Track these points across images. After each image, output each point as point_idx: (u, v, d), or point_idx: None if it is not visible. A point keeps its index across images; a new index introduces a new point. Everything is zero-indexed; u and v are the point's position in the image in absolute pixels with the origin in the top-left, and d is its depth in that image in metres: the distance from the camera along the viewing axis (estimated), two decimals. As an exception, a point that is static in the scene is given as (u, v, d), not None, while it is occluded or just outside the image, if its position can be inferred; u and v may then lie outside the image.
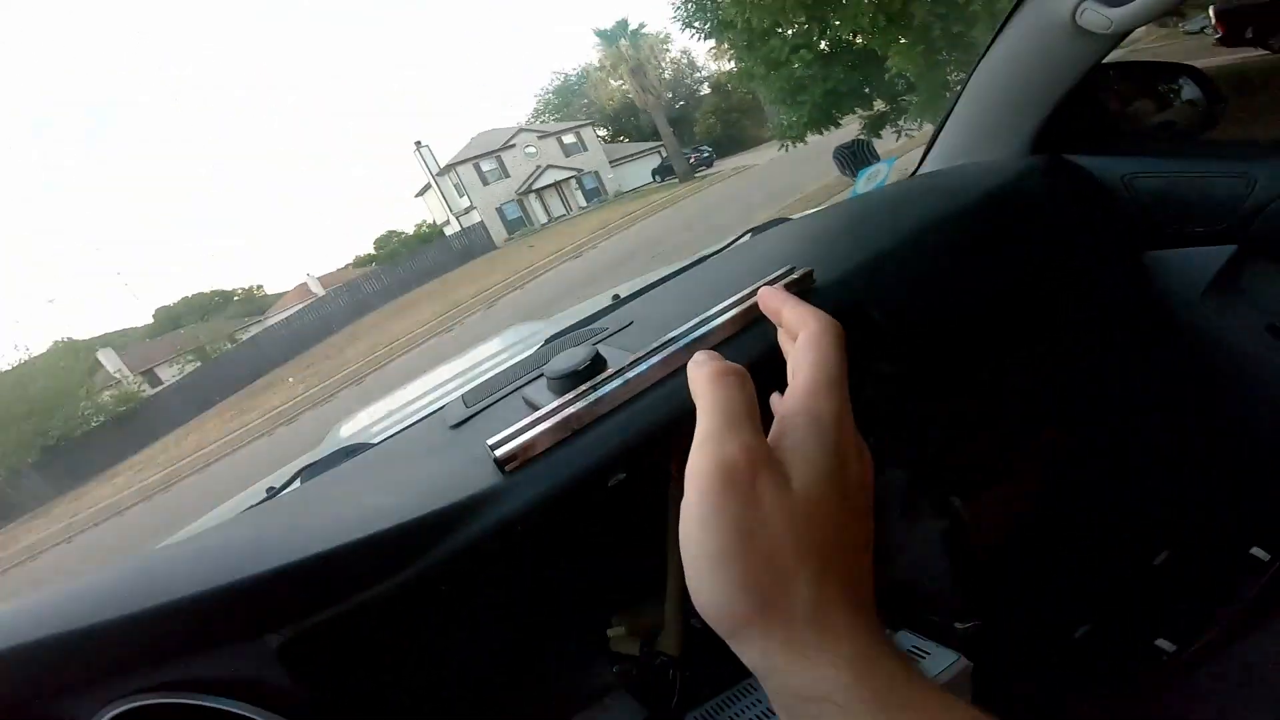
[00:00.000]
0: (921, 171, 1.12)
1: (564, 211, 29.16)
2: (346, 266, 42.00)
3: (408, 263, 26.96)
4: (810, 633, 0.23)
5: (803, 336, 0.30)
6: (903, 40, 4.73)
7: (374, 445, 0.81)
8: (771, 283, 0.59)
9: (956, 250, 0.69)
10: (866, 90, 5.97)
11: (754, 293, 0.57)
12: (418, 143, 29.37)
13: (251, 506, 0.85)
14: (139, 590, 0.43)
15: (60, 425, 19.14)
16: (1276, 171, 0.77)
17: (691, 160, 26.98)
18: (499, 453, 0.47)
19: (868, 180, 1.36)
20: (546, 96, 39.70)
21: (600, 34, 26.09)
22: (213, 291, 45.03)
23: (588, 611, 0.55)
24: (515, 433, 0.49)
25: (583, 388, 0.52)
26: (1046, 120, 0.90)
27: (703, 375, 0.29)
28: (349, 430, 1.50)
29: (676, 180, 25.98)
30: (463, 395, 0.72)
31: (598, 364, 0.56)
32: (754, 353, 0.53)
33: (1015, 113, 0.93)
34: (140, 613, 0.40)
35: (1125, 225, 0.83)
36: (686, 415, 0.28)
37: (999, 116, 0.95)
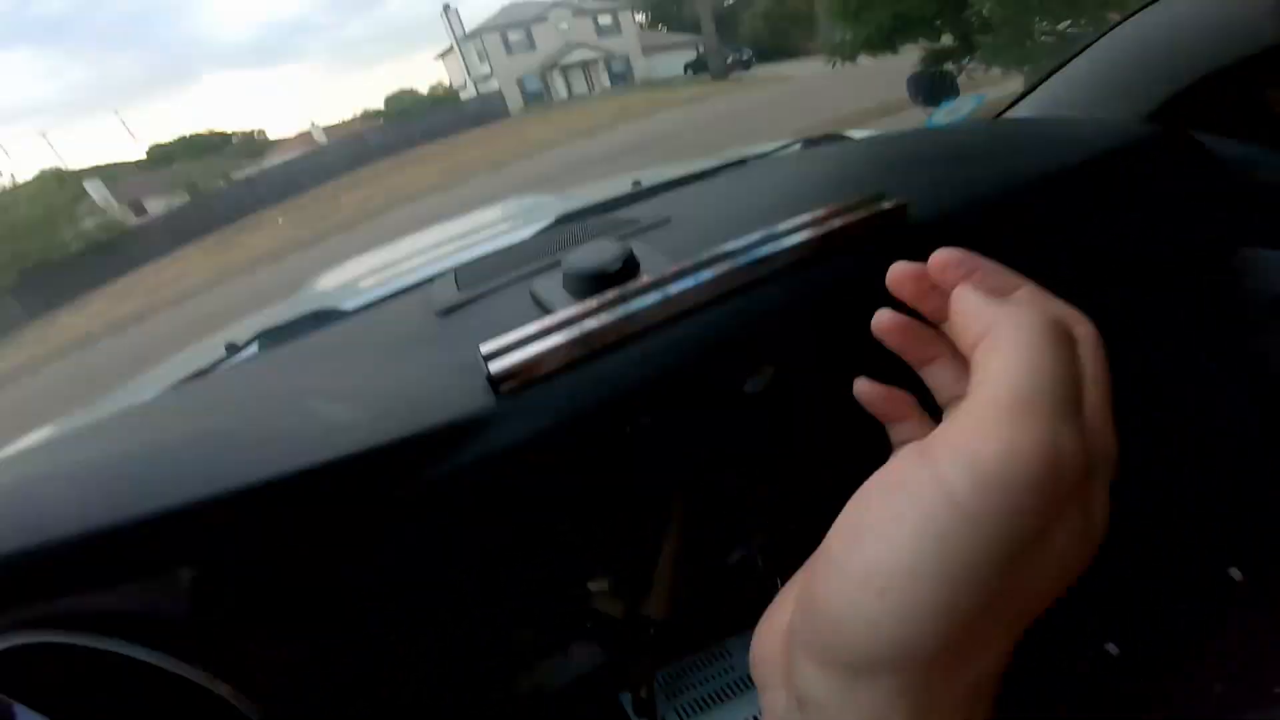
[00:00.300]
0: (1012, 115, 0.97)
1: (586, 91, 27.65)
2: (354, 119, 39.82)
3: (417, 121, 25.67)
4: (940, 707, 0.17)
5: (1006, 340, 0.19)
6: None
7: (347, 315, 0.70)
8: (854, 207, 0.47)
9: (1058, 213, 0.59)
10: (938, 22, 5.45)
11: (834, 214, 0.46)
12: (446, 4, 27.28)
13: (196, 375, 0.74)
14: (16, 519, 0.32)
15: (39, 250, 18.56)
16: None
17: (730, 60, 25.23)
18: (494, 367, 0.37)
19: (948, 114, 1.19)
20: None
21: None
22: (210, 132, 42.84)
23: (568, 563, 0.47)
24: (517, 343, 0.38)
25: (610, 295, 0.40)
26: (1185, 90, 0.78)
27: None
28: (327, 284, 1.37)
29: (709, 78, 24.45)
30: (455, 271, 0.60)
31: (630, 266, 0.44)
32: (831, 288, 0.43)
33: (1151, 74, 0.80)
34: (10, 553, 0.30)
35: (1235, 217, 0.74)
36: (743, 349, 0.22)
37: (1130, 74, 0.82)
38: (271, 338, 0.74)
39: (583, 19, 27.83)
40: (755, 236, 0.45)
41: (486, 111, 25.64)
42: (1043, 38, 4.62)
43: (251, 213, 19.46)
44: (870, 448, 0.24)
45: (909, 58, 6.27)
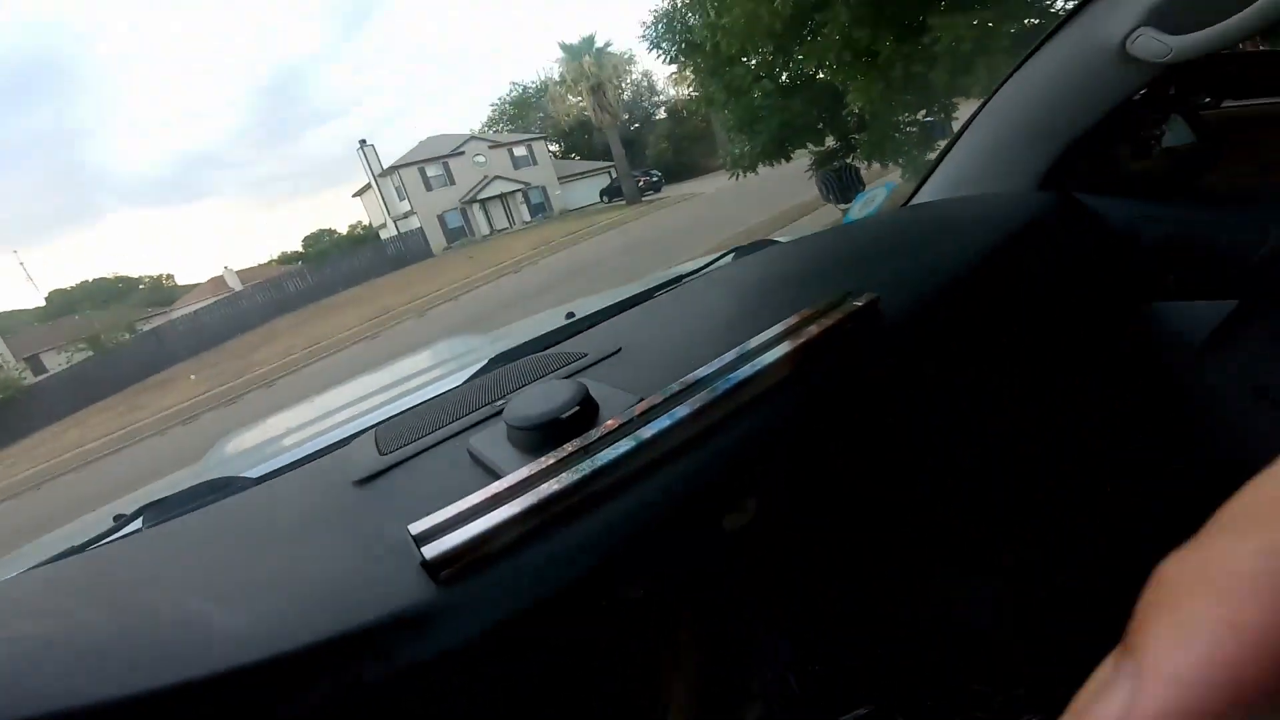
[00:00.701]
0: (919, 200, 1.03)
1: (507, 224, 28.72)
2: (270, 262, 39.55)
3: (337, 264, 25.67)
4: None
5: None
6: (861, 78, 4.85)
7: (251, 483, 0.59)
8: (826, 310, 0.43)
9: (975, 291, 0.59)
10: (820, 125, 6.08)
11: (808, 319, 0.42)
12: (362, 141, 28.52)
13: (72, 552, 0.62)
14: None
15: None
16: None
17: (641, 184, 27.09)
18: (429, 553, 0.28)
19: (864, 205, 1.25)
20: (503, 106, 39.31)
21: (565, 48, 26.11)
22: (115, 276, 41.43)
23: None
24: (456, 518, 0.30)
25: (569, 448, 0.33)
26: (1062, 155, 0.85)
27: None
28: (234, 448, 1.23)
29: (624, 202, 26.07)
30: (375, 431, 0.51)
31: (589, 410, 0.37)
32: (814, 400, 0.39)
33: (1030, 144, 0.87)
34: None
35: (1131, 273, 0.79)
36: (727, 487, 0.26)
37: (1013, 147, 0.89)
38: (161, 510, 0.62)
39: (498, 151, 29.31)
40: (729, 357, 0.40)
41: (409, 250, 25.88)
42: (908, 129, 5.24)
43: (160, 369, 18.42)
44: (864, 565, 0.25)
45: (801, 163, 6.91)
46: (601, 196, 29.90)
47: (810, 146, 6.50)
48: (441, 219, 27.64)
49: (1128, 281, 0.79)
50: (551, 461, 0.32)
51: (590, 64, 25.58)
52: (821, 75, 5.64)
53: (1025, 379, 0.65)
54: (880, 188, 1.35)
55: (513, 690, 0.30)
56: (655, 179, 28.46)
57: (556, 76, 28.85)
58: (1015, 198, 0.85)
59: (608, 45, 26.45)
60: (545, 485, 0.31)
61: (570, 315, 1.10)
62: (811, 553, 0.42)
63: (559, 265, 13.25)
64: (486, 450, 0.37)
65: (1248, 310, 0.75)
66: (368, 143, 28.50)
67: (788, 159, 6.74)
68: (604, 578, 0.29)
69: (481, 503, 0.30)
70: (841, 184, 1.39)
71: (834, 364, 0.40)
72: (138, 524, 0.70)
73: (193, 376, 15.06)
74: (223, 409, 10.32)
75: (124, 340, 23.31)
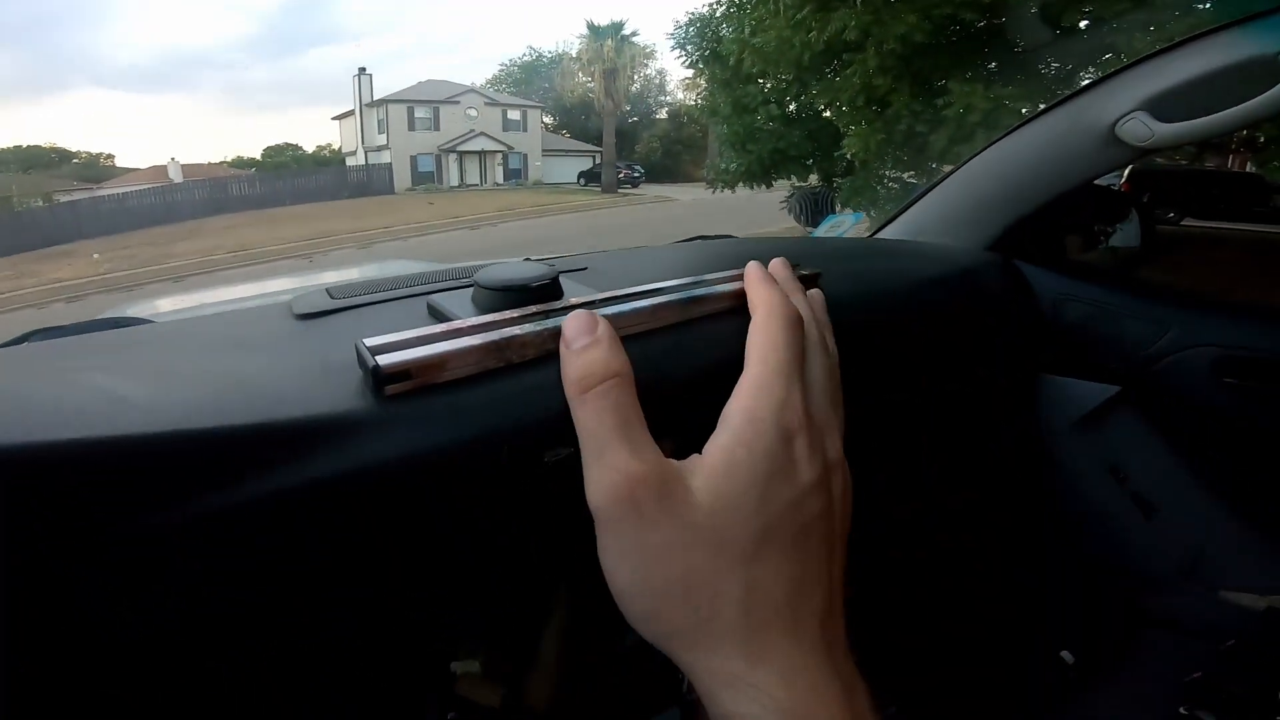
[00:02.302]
0: (882, 236, 1.09)
1: (478, 182, 28.05)
2: (222, 163, 37.06)
3: (292, 178, 24.36)
4: (739, 660, 0.22)
5: (753, 321, 0.30)
6: (866, 125, 5.01)
7: (163, 325, 0.56)
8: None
9: (903, 323, 0.63)
10: (810, 161, 6.26)
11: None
12: (361, 69, 27.39)
13: None
14: None
15: None
16: (1191, 325, 0.82)
17: (621, 175, 27.05)
18: (381, 360, 0.28)
19: (831, 228, 1.30)
20: (512, 68, 38.51)
21: (592, 28, 25.88)
22: (51, 147, 38.06)
23: (434, 630, 0.36)
24: (410, 340, 0.30)
25: (532, 309, 0.34)
26: (1019, 221, 0.91)
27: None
28: (138, 311, 1.15)
29: (600, 189, 25.93)
30: (327, 287, 0.50)
31: (555, 287, 0.38)
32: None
33: (997, 205, 0.92)
34: None
35: (1039, 343, 0.86)
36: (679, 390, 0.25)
37: (980, 205, 0.95)
38: (51, 334, 0.57)
39: (493, 110, 28.66)
40: (686, 280, 0.42)
41: (371, 182, 24.93)
42: (890, 184, 5.49)
43: (66, 242, 16.90)
44: None
45: (778, 194, 7.09)
46: (579, 179, 29.66)
47: (794, 179, 6.68)
48: (414, 160, 26.75)
49: (1035, 349, 0.86)
50: (515, 314, 0.33)
51: (611, 48, 25.39)
52: (827, 114, 5.80)
53: (918, 411, 0.68)
54: (849, 215, 1.42)
55: (442, 520, 0.30)
56: (636, 174, 28.46)
57: (574, 53, 28.47)
58: (963, 252, 0.91)
59: (634, 34, 26.37)
60: (506, 329, 0.31)
61: (528, 259, 1.11)
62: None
63: (518, 235, 13.02)
64: (447, 304, 0.38)
65: (1124, 399, 0.83)
66: (366, 71, 27.42)
67: (769, 185, 6.91)
68: (557, 426, 0.30)
69: (439, 333, 0.31)
70: (815, 207, 1.45)
71: None
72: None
73: (96, 255, 13.84)
74: (117, 293, 9.42)
75: (37, 206, 21.34)
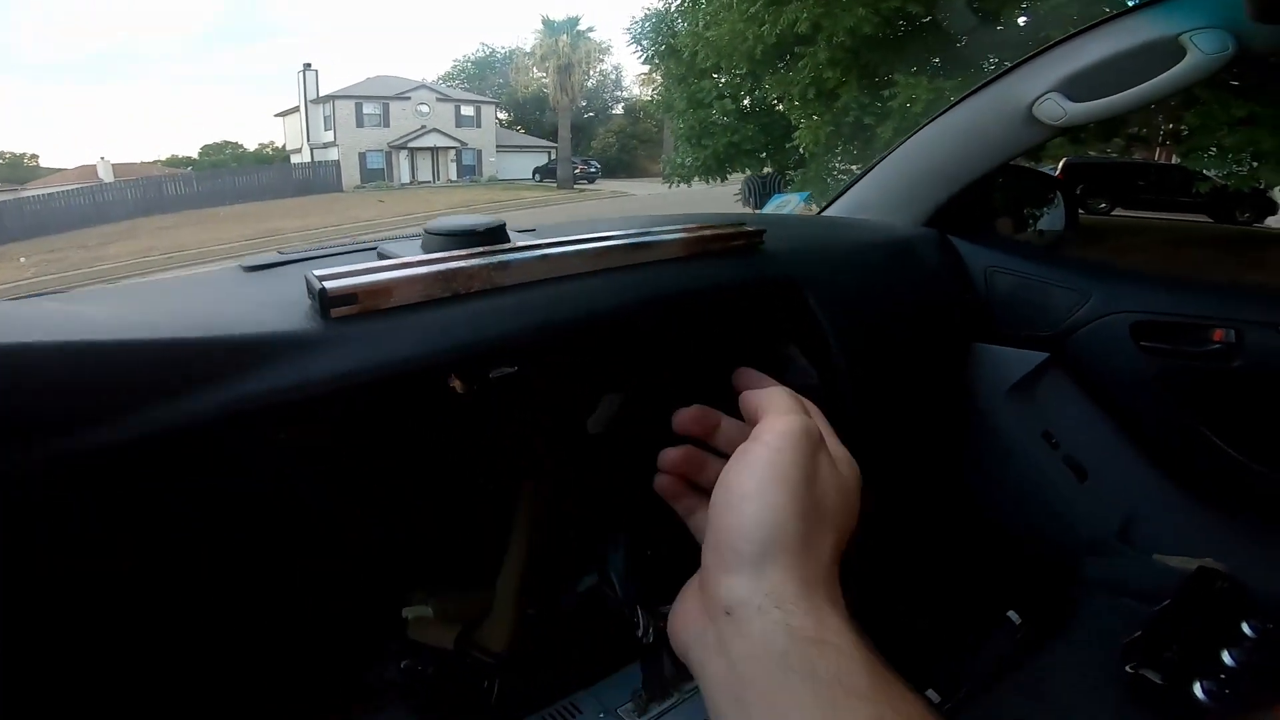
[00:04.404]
0: (827, 214, 1.12)
1: (431, 179, 27.45)
2: (156, 162, 35.20)
3: (232, 176, 23.33)
4: (824, 583, 0.27)
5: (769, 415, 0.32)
6: (816, 118, 5.13)
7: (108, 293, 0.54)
8: (720, 225, 0.49)
9: (852, 293, 0.66)
10: (764, 155, 6.37)
11: (704, 227, 0.48)
12: (307, 65, 26.40)
13: None
14: None
15: None
16: (1110, 294, 0.87)
17: (577, 170, 26.89)
18: (328, 284, 0.29)
19: (777, 207, 1.34)
20: (465, 64, 37.79)
21: (547, 23, 25.57)
22: None
23: (383, 571, 0.36)
24: (360, 271, 0.30)
25: (479, 249, 0.35)
26: (950, 198, 0.96)
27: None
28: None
29: (555, 185, 25.74)
30: (277, 248, 0.50)
31: (500, 233, 0.39)
32: (701, 284, 0.43)
33: (928, 184, 0.97)
34: None
35: (972, 313, 0.90)
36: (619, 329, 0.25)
37: (914, 184, 0.99)
38: None
39: (445, 106, 28.03)
40: (631, 229, 0.43)
41: (317, 180, 24.02)
42: (840, 176, 5.64)
43: (-12, 245, 15.84)
44: None
45: (732, 188, 7.17)
46: (534, 174, 29.32)
47: (748, 171, 6.78)
48: (362, 157, 25.96)
49: (967, 319, 0.90)
50: (462, 253, 0.33)
51: (565, 43, 25.15)
52: (780, 107, 5.91)
53: (858, 377, 0.72)
54: (794, 195, 1.46)
55: (392, 439, 0.31)
56: (593, 169, 28.32)
57: (528, 48, 28.08)
58: (901, 227, 0.95)
59: (589, 30, 26.19)
60: (453, 263, 0.32)
61: None
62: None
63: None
64: (396, 249, 0.38)
65: (1052, 364, 0.87)
66: (312, 67, 26.50)
67: (724, 179, 6.99)
68: (492, 353, 0.30)
69: (387, 265, 0.31)
70: (764, 190, 1.48)
71: (720, 263, 0.45)
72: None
73: (23, 259, 13.07)
74: (45, 298, 8.96)
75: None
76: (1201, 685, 0.55)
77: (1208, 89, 5.09)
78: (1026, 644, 0.78)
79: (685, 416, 0.33)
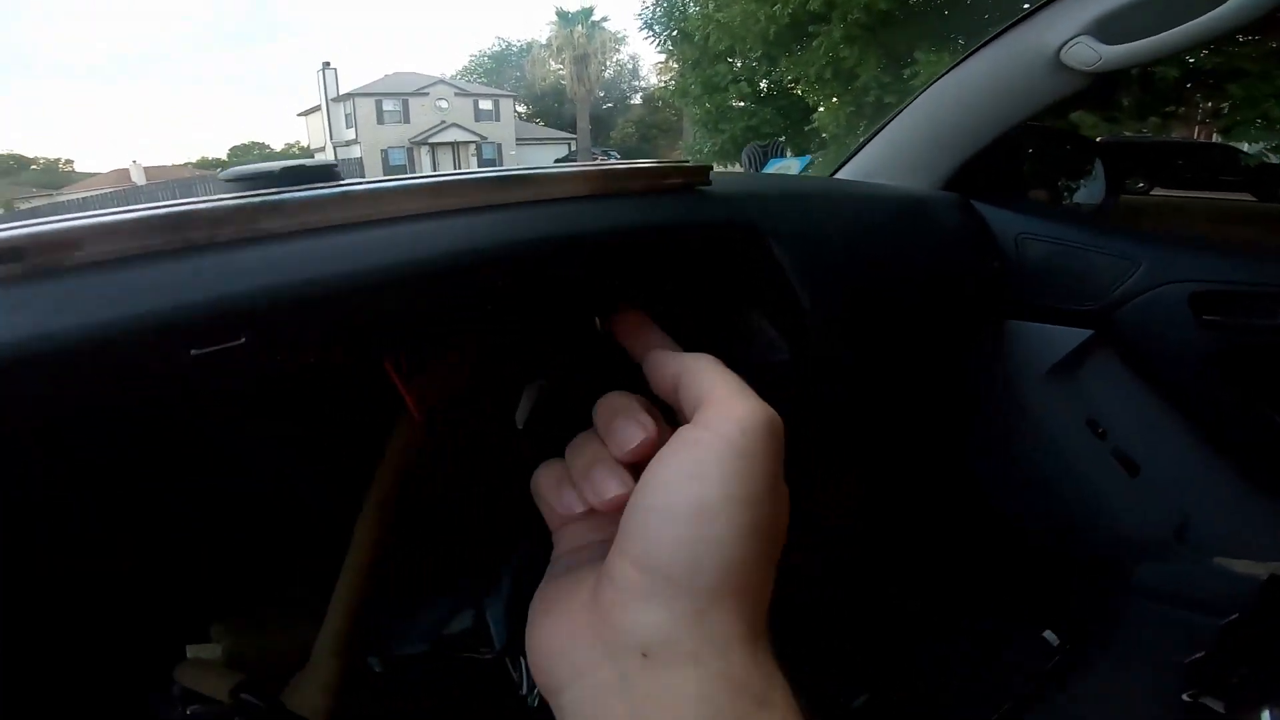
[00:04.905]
0: (839, 176, 1.03)
1: (452, 173, 27.61)
2: (187, 164, 36.15)
3: (260, 177, 23.75)
4: (764, 627, 0.21)
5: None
6: (835, 99, 5.01)
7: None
8: (649, 169, 0.38)
9: (836, 256, 0.55)
10: (782, 138, 6.24)
11: (631, 167, 0.38)
12: (326, 64, 26.76)
13: None
14: None
15: None
16: (1164, 262, 0.76)
17: (597, 160, 26.77)
18: None
19: (778, 169, 1.22)
20: (482, 59, 37.99)
21: (561, 14, 25.52)
22: (9, 154, 37.28)
23: (165, 602, 0.26)
24: (41, 221, 0.21)
25: (271, 189, 0.24)
26: (972, 158, 0.86)
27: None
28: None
29: (576, 177, 25.71)
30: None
31: (326, 172, 0.29)
32: (600, 227, 0.33)
33: (948, 143, 0.88)
34: None
35: (1004, 287, 0.81)
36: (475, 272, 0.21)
37: (931, 143, 0.90)
38: None
39: (464, 100, 28.14)
40: (517, 167, 0.33)
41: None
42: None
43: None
44: None
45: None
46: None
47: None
48: (385, 154, 26.28)
49: (995, 293, 0.80)
50: (219, 196, 0.23)
51: (581, 34, 25.09)
52: (797, 90, 5.79)
53: (883, 362, 0.62)
54: (795, 160, 1.35)
55: (70, 432, 0.21)
56: (613, 159, 28.11)
57: (544, 40, 28.10)
58: (920, 191, 0.86)
59: (604, 20, 26.07)
60: (196, 207, 0.22)
61: None
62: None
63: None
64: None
65: (1099, 343, 0.77)
66: (330, 65, 26.82)
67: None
68: (233, 312, 0.20)
69: (92, 213, 0.21)
70: (764, 158, 1.38)
71: (639, 204, 0.35)
72: None
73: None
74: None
75: (-4, 213, 20.70)
76: (1272, 714, 0.47)
77: (1255, 60, 4.79)
78: (1065, 667, 0.69)
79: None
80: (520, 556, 0.32)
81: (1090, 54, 0.73)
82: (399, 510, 0.27)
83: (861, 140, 1.02)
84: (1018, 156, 0.96)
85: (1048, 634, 0.73)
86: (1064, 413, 0.77)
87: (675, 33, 6.50)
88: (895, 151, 0.93)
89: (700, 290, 0.38)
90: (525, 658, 0.34)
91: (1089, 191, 1.06)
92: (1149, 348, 0.77)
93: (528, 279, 0.26)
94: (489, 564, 0.32)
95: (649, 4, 7.00)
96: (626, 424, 0.23)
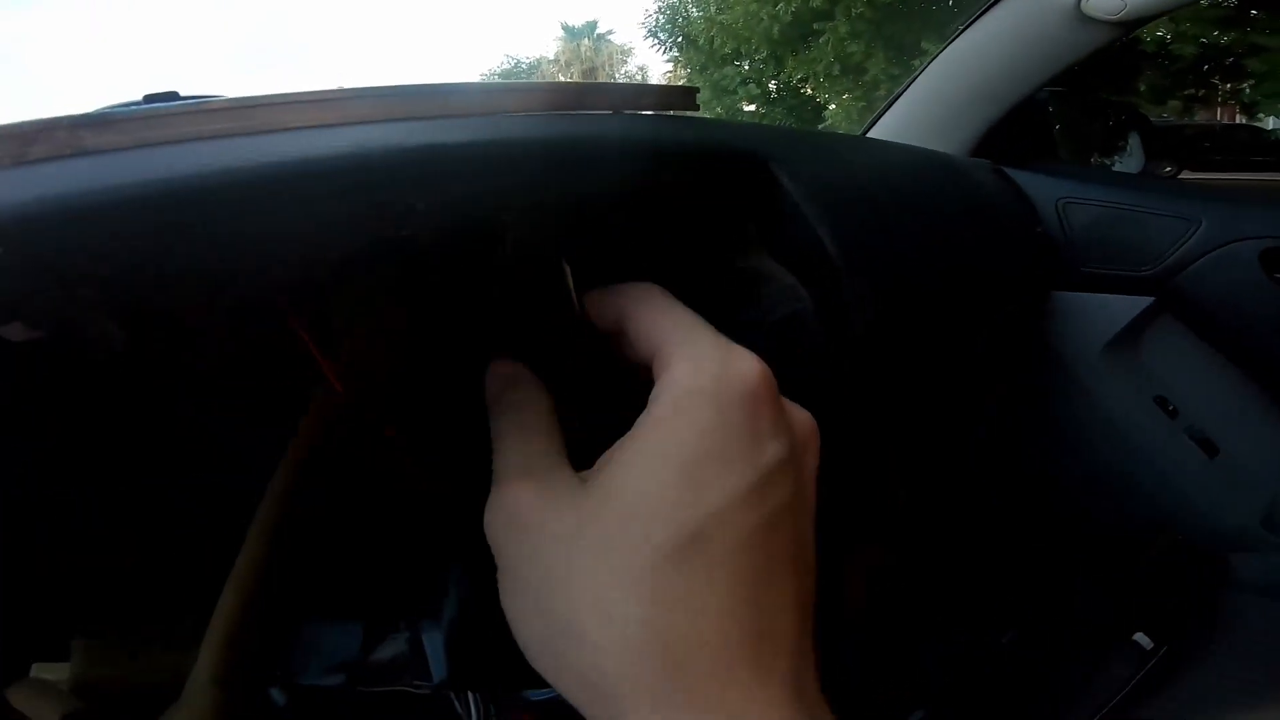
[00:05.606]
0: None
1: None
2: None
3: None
4: (799, 686, 0.15)
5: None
6: (846, 96, 4.98)
7: None
8: (632, 88, 0.34)
9: (865, 199, 0.47)
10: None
11: (581, 83, 0.31)
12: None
13: None
14: None
15: None
16: (1227, 218, 0.70)
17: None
18: None
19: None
20: (491, 78, 38.91)
21: (567, 29, 25.93)
22: None
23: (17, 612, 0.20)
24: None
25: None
26: (998, 122, 0.81)
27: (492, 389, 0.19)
28: None
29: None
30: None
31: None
32: (552, 133, 0.27)
33: (970, 106, 0.82)
34: None
35: (1048, 257, 0.74)
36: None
37: (952, 107, 0.84)
38: None
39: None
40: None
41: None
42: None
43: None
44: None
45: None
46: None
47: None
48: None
49: (1043, 263, 0.74)
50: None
51: (588, 48, 25.40)
52: (807, 89, 5.79)
53: (929, 344, 0.54)
54: None
55: None
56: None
57: (552, 55, 28.47)
58: (947, 157, 0.80)
59: (609, 33, 26.38)
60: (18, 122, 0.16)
61: None
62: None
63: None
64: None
65: (1161, 310, 0.70)
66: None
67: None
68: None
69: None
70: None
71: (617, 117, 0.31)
72: None
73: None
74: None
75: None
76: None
77: (1273, 34, 4.66)
78: (1161, 673, 0.62)
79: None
80: (468, 572, 0.25)
81: (1113, 3, 0.68)
82: (307, 507, 0.21)
83: (886, 102, 0.96)
84: (1046, 119, 0.91)
85: (1139, 637, 0.66)
86: (1128, 391, 0.70)
87: (680, 39, 6.56)
88: (915, 116, 0.87)
89: (691, 231, 0.31)
90: (473, 691, 0.28)
91: (1128, 166, 1.00)
92: (1218, 313, 0.70)
93: (453, 201, 0.20)
94: (428, 580, 0.25)
95: (652, 12, 7.09)
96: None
